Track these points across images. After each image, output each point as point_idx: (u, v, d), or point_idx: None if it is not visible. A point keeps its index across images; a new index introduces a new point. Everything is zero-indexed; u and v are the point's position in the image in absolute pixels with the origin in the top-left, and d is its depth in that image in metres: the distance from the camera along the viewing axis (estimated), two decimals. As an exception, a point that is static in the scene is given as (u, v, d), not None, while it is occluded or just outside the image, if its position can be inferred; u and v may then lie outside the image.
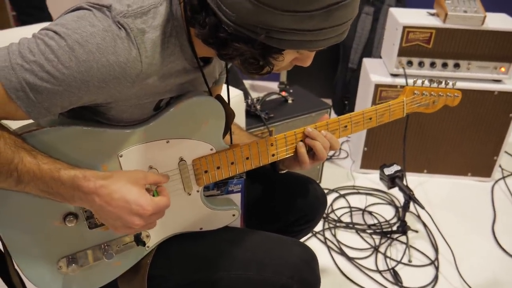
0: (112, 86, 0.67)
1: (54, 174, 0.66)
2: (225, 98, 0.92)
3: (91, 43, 0.63)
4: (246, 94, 2.30)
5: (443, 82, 1.07)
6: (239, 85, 2.28)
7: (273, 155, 0.93)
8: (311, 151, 0.93)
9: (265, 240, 0.92)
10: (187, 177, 0.85)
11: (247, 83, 2.75)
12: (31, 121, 0.70)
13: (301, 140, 0.93)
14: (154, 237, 0.88)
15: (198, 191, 0.88)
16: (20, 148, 0.66)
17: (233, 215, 0.95)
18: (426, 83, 1.05)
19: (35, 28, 0.78)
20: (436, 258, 1.61)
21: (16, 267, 0.81)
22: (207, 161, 0.86)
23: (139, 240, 0.86)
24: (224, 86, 0.97)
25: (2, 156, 0.63)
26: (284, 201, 1.07)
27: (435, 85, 1.06)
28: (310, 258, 0.91)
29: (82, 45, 0.63)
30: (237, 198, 1.02)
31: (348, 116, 0.96)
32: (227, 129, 0.86)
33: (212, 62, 0.84)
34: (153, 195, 0.76)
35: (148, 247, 0.88)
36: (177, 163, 0.83)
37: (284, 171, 1.04)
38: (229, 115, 0.84)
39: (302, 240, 1.13)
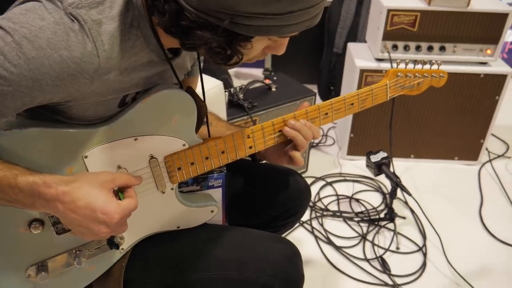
0: (68, 84, 0.62)
1: (11, 181, 0.62)
2: (201, 90, 0.88)
3: (41, 38, 0.58)
4: (229, 83, 2.25)
5: (428, 63, 1.03)
6: (222, 74, 2.22)
7: (250, 147, 0.89)
8: (291, 143, 0.89)
9: (246, 238, 0.89)
10: (159, 175, 0.81)
11: (231, 71, 2.69)
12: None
13: (280, 131, 0.89)
14: (129, 238, 0.84)
15: (172, 188, 0.84)
16: None
17: (212, 211, 0.91)
18: (410, 65, 1.02)
19: None
20: (424, 245, 1.60)
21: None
22: (179, 158, 0.81)
23: (112, 243, 0.81)
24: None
25: None
26: (266, 196, 1.03)
27: (419, 66, 1.02)
28: (293, 254, 0.87)
29: (30, 40, 0.57)
30: (218, 193, 0.98)
31: (328, 102, 0.92)
32: (200, 122, 0.82)
33: (182, 53, 0.79)
34: (119, 198, 0.71)
35: (122, 249, 0.85)
36: (147, 161, 0.79)
37: (264, 161, 1.00)
38: (201, 107, 0.80)
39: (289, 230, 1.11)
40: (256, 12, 0.57)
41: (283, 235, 1.13)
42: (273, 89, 1.81)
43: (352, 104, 0.94)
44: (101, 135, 0.73)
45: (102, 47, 0.63)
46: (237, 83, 2.66)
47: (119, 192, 0.72)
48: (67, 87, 0.62)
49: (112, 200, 0.66)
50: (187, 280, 0.83)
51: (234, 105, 1.67)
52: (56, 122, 0.71)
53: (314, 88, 2.00)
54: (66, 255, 0.79)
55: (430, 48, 1.81)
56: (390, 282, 1.45)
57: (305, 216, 1.72)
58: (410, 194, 1.52)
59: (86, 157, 0.72)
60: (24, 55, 0.57)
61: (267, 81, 1.85)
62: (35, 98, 0.62)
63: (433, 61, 1.03)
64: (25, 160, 0.67)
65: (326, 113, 0.92)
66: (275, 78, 1.91)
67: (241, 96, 1.69)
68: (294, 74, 2.14)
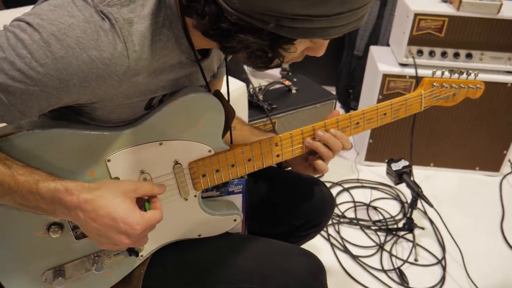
0: (95, 85, 0.59)
1: (32, 187, 0.59)
2: (225, 93, 0.84)
3: (70, 37, 0.55)
4: (248, 83, 2.21)
5: (465, 73, 0.98)
6: (241, 74, 2.18)
7: (277, 155, 0.85)
8: (317, 153, 0.85)
9: (269, 249, 0.85)
10: (183, 182, 0.78)
11: (247, 69, 2.64)
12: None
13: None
14: (148, 245, 0.81)
15: (195, 196, 0.81)
16: None
17: (235, 220, 0.88)
18: (446, 74, 0.97)
19: (23, 10, 0.69)
20: (443, 257, 1.55)
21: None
22: (205, 164, 0.78)
23: (131, 250, 0.79)
24: (224, 80, 0.89)
25: None
26: (288, 205, 0.99)
27: (455, 76, 0.97)
28: (318, 269, 0.84)
29: (59, 38, 0.54)
30: (238, 199, 0.94)
31: (360, 112, 0.88)
32: (227, 128, 0.78)
33: (210, 55, 0.76)
34: (145, 207, 0.68)
35: (141, 256, 0.82)
36: (171, 167, 0.75)
37: (289, 168, 0.96)
38: (229, 112, 0.76)
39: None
40: (303, 14, 0.54)
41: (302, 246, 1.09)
42: (293, 91, 1.77)
43: (385, 114, 0.90)
44: (125, 139, 0.70)
45: (133, 48, 0.59)
46: (254, 82, 2.62)
47: (146, 201, 0.69)
48: (94, 89, 0.59)
49: (135, 210, 0.63)
50: (208, 291, 0.80)
51: (253, 106, 1.63)
52: (80, 123, 0.68)
53: (332, 90, 1.96)
54: (84, 260, 0.76)
55: (456, 55, 1.76)
56: (408, 296, 1.41)
57: (321, 223, 1.68)
58: (432, 206, 1.47)
59: (109, 160, 0.69)
60: (52, 54, 0.54)
61: (287, 83, 1.81)
62: (61, 99, 0.59)
63: (470, 71, 0.98)
64: (47, 161, 0.65)
65: (358, 123, 0.88)
66: (295, 79, 1.87)
67: (260, 97, 1.65)
68: (312, 75, 2.09)
